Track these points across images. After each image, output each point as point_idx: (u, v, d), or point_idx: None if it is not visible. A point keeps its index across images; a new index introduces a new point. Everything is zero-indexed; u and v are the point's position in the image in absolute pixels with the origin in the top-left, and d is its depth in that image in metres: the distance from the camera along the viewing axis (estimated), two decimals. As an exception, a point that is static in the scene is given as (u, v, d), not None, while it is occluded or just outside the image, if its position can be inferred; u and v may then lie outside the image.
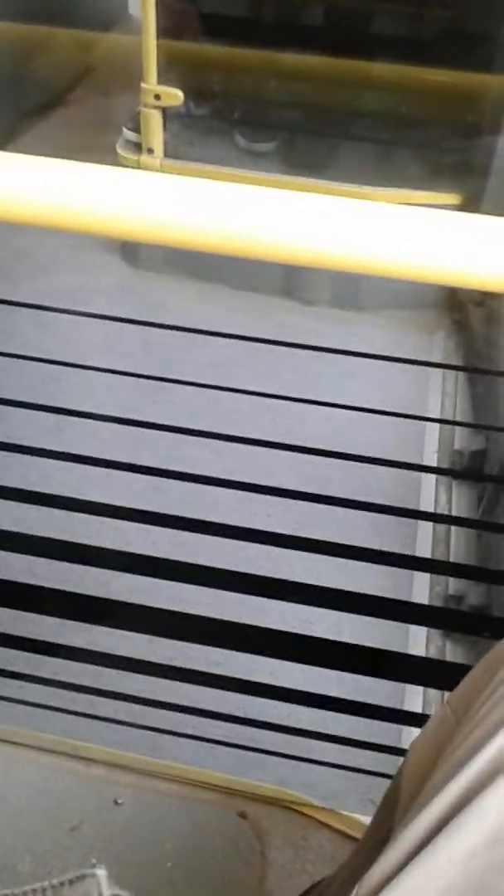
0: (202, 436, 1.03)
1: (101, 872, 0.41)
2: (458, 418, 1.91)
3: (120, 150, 2.13)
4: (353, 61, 2.06)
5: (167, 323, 2.09)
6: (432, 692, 1.21)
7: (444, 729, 0.53)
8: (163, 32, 1.90)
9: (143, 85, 1.97)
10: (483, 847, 0.41)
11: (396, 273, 0.65)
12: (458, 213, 0.65)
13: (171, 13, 1.94)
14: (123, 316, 2.09)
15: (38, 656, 0.98)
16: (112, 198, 0.66)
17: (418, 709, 1.20)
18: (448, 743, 0.50)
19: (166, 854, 0.87)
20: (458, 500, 1.68)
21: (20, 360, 1.13)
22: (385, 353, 2.09)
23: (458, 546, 1.56)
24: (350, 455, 1.08)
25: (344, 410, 1.75)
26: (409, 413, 1.90)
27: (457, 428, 1.87)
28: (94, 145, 2.31)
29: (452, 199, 2.03)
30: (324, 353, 2.04)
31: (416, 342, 2.17)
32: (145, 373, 1.31)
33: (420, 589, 1.46)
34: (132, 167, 2.09)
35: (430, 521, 1.53)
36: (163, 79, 1.95)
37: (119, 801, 0.92)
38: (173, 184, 0.67)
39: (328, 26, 2.14)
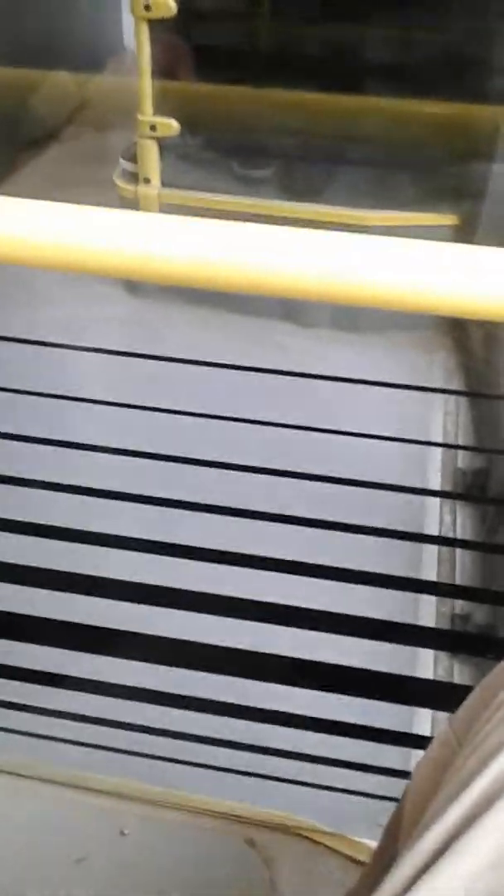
0: (202, 464, 1.03)
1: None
2: (460, 436, 1.91)
3: (117, 181, 2.15)
4: (348, 96, 2.08)
5: (168, 350, 2.10)
6: (441, 714, 1.20)
7: (446, 751, 0.53)
8: (157, 64, 1.93)
9: (138, 116, 1.99)
10: (486, 870, 0.41)
11: (399, 305, 0.65)
12: (459, 245, 0.65)
13: (165, 46, 1.96)
14: (124, 343, 2.11)
15: (41, 687, 0.97)
16: (115, 238, 0.66)
17: (427, 732, 1.19)
18: (450, 765, 0.50)
19: (174, 884, 0.87)
20: (463, 518, 1.68)
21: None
22: (386, 374, 2.10)
23: (464, 563, 1.55)
24: (356, 481, 1.09)
25: (349, 427, 1.76)
26: (412, 432, 1.91)
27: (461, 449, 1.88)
28: (90, 179, 2.34)
29: (450, 220, 2.04)
30: (327, 373, 2.06)
31: (417, 362, 2.18)
32: (146, 401, 1.32)
33: (426, 608, 1.46)
34: (129, 197, 2.11)
35: (436, 544, 1.53)
36: (158, 110, 1.98)
37: (125, 832, 0.91)
38: (174, 223, 0.68)
39: (323, 58, 2.16)
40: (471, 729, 0.51)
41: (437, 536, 1.55)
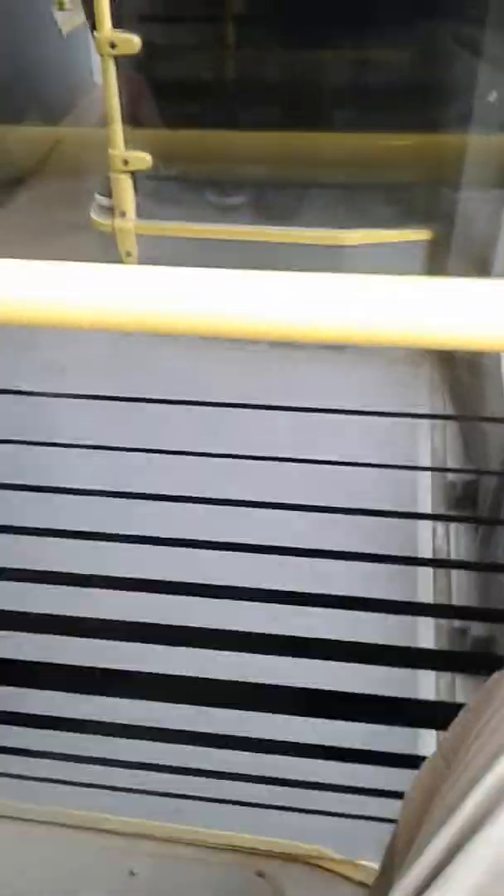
0: (193, 501, 1.04)
1: None
2: (448, 448, 1.93)
3: (94, 216, 2.17)
4: (317, 133, 2.10)
5: (149, 370, 2.11)
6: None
7: (435, 776, 0.53)
8: (125, 99, 1.95)
9: (110, 151, 2.01)
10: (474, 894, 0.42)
11: (382, 342, 0.66)
12: (434, 280, 0.66)
13: (132, 82, 1.99)
14: (104, 364, 2.11)
15: (44, 731, 0.98)
16: (96, 293, 0.67)
17: (432, 752, 1.18)
18: (439, 790, 0.51)
19: (185, 922, 0.87)
20: (457, 530, 1.68)
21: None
22: (372, 388, 2.11)
23: (460, 574, 1.56)
24: (348, 510, 1.09)
25: (339, 445, 1.77)
26: (400, 443, 1.92)
27: (449, 459, 1.89)
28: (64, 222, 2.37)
29: (423, 235, 2.06)
30: (314, 390, 2.07)
31: (402, 375, 2.19)
32: (138, 430, 1.32)
33: (424, 622, 1.46)
34: (106, 231, 2.13)
35: (430, 566, 1.54)
36: (129, 144, 2.00)
37: (135, 872, 0.91)
38: (155, 274, 0.69)
39: (289, 89, 2.18)
40: (458, 752, 0.52)
41: (431, 559, 1.56)
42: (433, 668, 1.31)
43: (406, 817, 0.54)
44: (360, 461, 1.64)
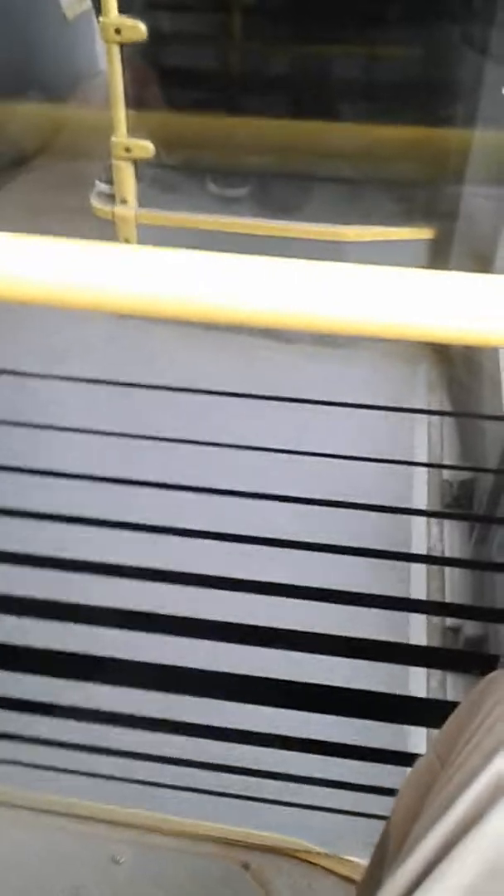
0: (189, 490, 1.03)
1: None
2: (444, 447, 1.92)
3: (94, 203, 2.16)
4: (321, 122, 2.09)
5: (152, 364, 2.10)
6: (436, 732, 1.19)
7: (429, 773, 0.53)
8: (129, 86, 1.94)
9: (112, 138, 2.00)
10: (465, 894, 0.41)
11: (382, 333, 0.65)
12: (432, 272, 0.65)
13: (137, 69, 1.97)
14: (107, 357, 2.11)
15: (29, 715, 0.97)
16: (100, 273, 0.66)
17: (423, 749, 1.18)
18: (432, 788, 0.50)
19: (169, 912, 0.86)
20: (451, 530, 1.68)
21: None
22: (369, 386, 2.11)
23: (454, 573, 1.55)
24: (343, 503, 1.09)
25: (335, 441, 1.77)
26: (396, 442, 1.92)
27: (445, 457, 1.89)
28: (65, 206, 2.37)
29: (426, 233, 2.05)
30: (312, 387, 2.07)
31: (399, 373, 2.19)
32: (134, 419, 1.32)
33: (417, 620, 1.46)
34: (107, 218, 2.12)
35: (425, 563, 1.53)
36: (132, 132, 1.99)
37: (119, 860, 0.91)
38: (161, 257, 0.68)
39: (294, 80, 2.17)
40: (451, 751, 0.52)
41: (426, 555, 1.56)
42: (425, 666, 1.30)
43: (398, 814, 0.54)
44: (357, 461, 1.64)
